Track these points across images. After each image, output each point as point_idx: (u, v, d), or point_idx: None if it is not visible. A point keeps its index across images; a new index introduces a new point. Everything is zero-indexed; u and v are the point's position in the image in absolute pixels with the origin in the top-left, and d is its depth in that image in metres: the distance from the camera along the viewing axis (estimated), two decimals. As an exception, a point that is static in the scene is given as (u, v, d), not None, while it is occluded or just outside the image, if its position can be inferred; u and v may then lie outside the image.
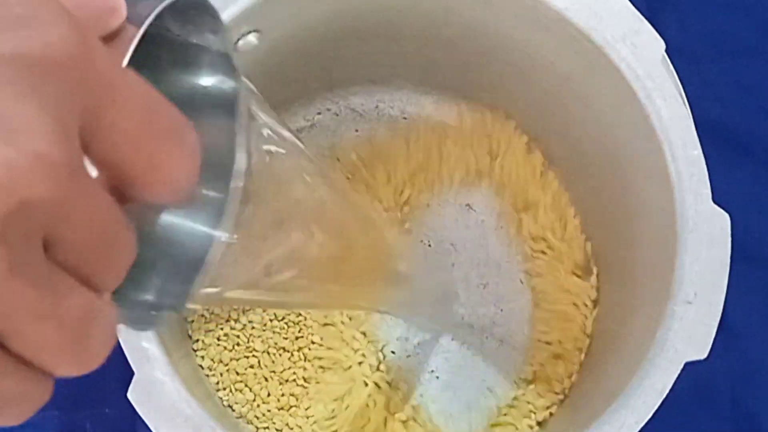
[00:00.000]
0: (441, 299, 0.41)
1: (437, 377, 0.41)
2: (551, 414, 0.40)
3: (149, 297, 0.21)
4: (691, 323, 0.31)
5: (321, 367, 0.40)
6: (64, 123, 0.14)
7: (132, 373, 0.31)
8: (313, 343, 0.40)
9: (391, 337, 0.41)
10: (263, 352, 0.40)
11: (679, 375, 0.31)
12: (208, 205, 0.21)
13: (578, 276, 0.41)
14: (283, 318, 0.41)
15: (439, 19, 0.38)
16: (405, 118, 0.44)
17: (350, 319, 0.41)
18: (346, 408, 0.40)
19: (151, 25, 0.19)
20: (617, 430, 0.31)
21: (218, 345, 0.40)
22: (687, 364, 0.31)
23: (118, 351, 0.31)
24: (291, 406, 0.40)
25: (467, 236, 0.42)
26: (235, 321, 0.41)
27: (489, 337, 0.41)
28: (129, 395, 0.30)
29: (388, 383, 0.40)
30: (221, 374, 0.40)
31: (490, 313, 0.41)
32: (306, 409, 0.40)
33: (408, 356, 0.41)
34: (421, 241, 0.42)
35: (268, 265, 0.24)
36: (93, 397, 0.44)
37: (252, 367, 0.40)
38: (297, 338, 0.41)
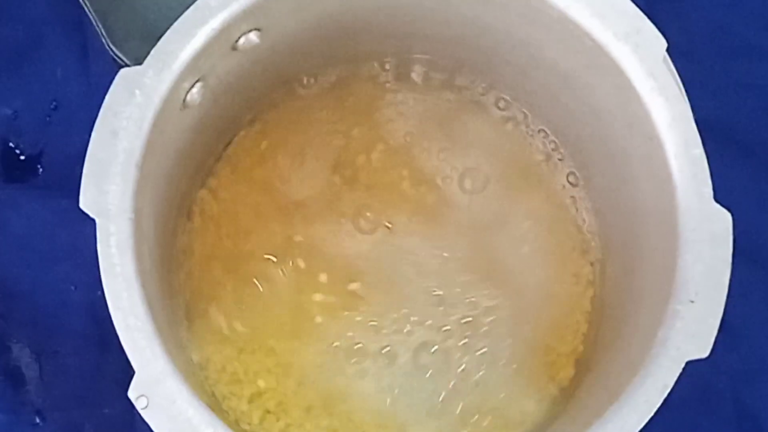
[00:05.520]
0: None
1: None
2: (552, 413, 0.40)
3: None
4: (692, 322, 0.31)
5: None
6: None
7: (132, 373, 0.30)
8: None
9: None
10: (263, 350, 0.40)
11: (681, 374, 0.31)
12: None
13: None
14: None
15: (440, 18, 0.38)
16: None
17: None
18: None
19: None
20: (619, 428, 0.31)
21: (217, 344, 0.40)
22: (688, 363, 0.31)
23: (117, 350, 0.31)
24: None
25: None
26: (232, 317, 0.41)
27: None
28: (129, 394, 0.30)
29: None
30: (220, 374, 0.40)
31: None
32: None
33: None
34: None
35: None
36: (92, 397, 0.44)
37: (250, 367, 0.40)
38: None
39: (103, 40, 0.43)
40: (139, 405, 0.30)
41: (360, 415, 0.40)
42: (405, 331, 0.40)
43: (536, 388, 0.40)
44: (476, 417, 0.40)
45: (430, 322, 0.41)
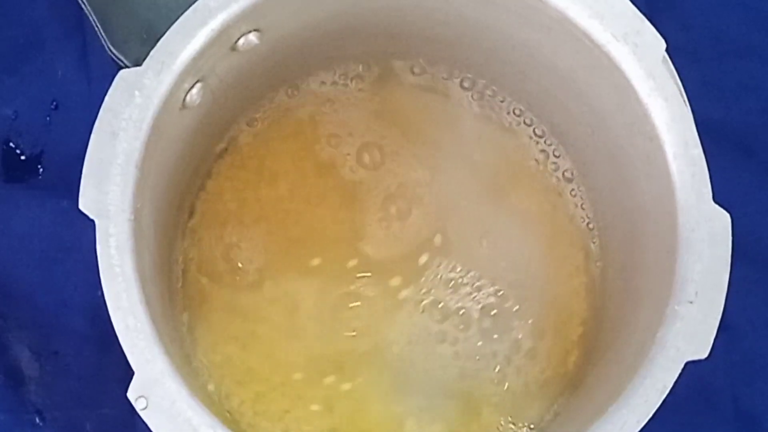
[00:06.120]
0: None
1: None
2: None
3: None
4: (692, 323, 0.31)
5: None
6: None
7: (132, 373, 0.30)
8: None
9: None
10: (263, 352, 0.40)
11: (680, 374, 0.31)
12: None
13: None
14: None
15: (439, 19, 0.38)
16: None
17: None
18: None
19: None
20: (619, 429, 0.31)
21: (217, 344, 0.40)
22: (688, 364, 0.31)
23: (117, 350, 0.31)
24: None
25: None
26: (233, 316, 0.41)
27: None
28: (129, 395, 0.30)
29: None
30: (220, 374, 0.40)
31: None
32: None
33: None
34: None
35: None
36: (92, 397, 0.44)
37: (252, 367, 0.40)
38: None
39: (103, 42, 0.43)
40: (138, 406, 0.30)
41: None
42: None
43: (537, 386, 0.41)
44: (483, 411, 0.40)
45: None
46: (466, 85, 0.43)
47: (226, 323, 0.41)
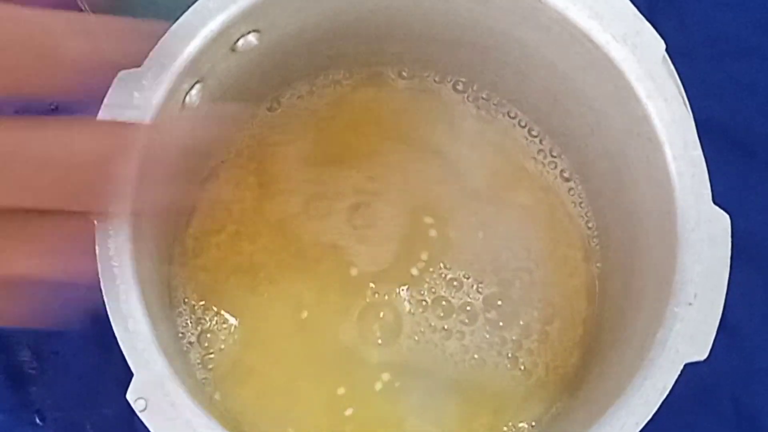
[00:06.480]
0: None
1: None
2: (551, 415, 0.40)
3: None
4: (691, 324, 0.31)
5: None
6: None
7: (131, 374, 0.30)
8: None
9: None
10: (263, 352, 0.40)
11: (680, 375, 0.31)
12: None
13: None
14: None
15: (439, 20, 0.38)
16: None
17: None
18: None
19: None
20: (618, 430, 0.31)
21: (217, 345, 0.40)
22: (687, 365, 0.31)
23: (117, 351, 0.31)
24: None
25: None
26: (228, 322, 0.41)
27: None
28: (128, 397, 0.30)
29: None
30: (220, 374, 0.40)
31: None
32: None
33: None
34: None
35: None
36: (92, 397, 0.44)
37: (252, 368, 0.40)
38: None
39: (102, 42, 0.43)
40: (137, 407, 0.30)
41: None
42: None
43: (536, 386, 0.41)
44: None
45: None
46: (459, 87, 0.43)
47: (229, 323, 0.41)
